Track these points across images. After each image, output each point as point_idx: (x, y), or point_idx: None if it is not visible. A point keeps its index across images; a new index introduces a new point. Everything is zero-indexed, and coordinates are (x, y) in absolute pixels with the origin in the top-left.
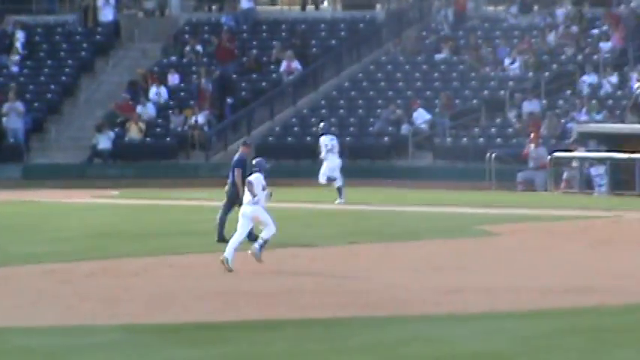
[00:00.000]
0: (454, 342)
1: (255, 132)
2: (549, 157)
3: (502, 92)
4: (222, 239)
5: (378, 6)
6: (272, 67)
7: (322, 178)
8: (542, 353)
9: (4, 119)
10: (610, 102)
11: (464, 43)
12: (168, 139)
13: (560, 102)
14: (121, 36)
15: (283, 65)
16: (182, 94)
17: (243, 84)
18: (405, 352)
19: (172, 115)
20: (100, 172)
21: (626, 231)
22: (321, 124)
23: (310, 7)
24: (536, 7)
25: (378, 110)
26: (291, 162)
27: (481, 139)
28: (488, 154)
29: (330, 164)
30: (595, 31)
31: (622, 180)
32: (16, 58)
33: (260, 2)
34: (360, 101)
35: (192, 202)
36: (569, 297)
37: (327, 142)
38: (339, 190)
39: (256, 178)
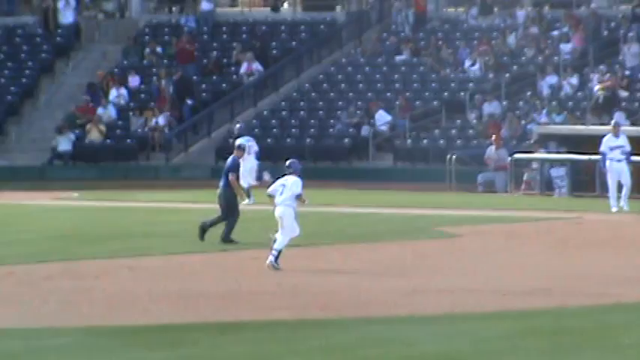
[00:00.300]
0: (415, 343)
1: (216, 133)
2: (509, 158)
3: (462, 94)
4: (202, 237)
5: (338, 8)
6: (232, 68)
7: (245, 181)
8: (503, 354)
9: None
10: (570, 103)
11: (424, 44)
12: (128, 140)
13: (521, 103)
14: (81, 38)
15: (243, 67)
16: (142, 95)
17: (204, 86)
18: (366, 354)
19: (133, 117)
20: (60, 174)
21: (586, 232)
22: (237, 126)
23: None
24: (496, 9)
25: (339, 112)
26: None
27: (441, 141)
28: (448, 156)
29: (248, 165)
30: (555, 33)
31: (582, 181)
32: None
33: (220, 4)
34: (321, 103)
35: (153, 203)
36: (530, 298)
37: (247, 143)
38: (249, 191)
39: (298, 185)
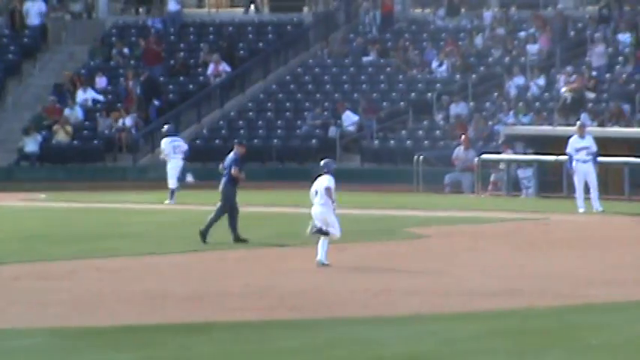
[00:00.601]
0: (382, 344)
1: (183, 134)
2: (476, 159)
3: (429, 95)
4: (204, 239)
5: (306, 9)
6: (199, 69)
7: (171, 181)
8: (470, 355)
9: None
10: (537, 104)
11: (391, 45)
12: (95, 141)
13: (488, 104)
14: (48, 39)
15: (211, 68)
16: (109, 97)
17: (171, 86)
18: (333, 355)
19: (100, 118)
20: (27, 175)
21: (553, 233)
22: (166, 126)
23: (241, 10)
24: (463, 10)
25: (306, 113)
26: (218, 164)
27: (408, 142)
28: (415, 157)
29: (174, 165)
30: (522, 34)
31: (549, 182)
32: None
33: (187, 4)
34: (288, 104)
35: (120, 204)
36: (498, 299)
37: (172, 143)
38: (173, 192)
39: (330, 180)
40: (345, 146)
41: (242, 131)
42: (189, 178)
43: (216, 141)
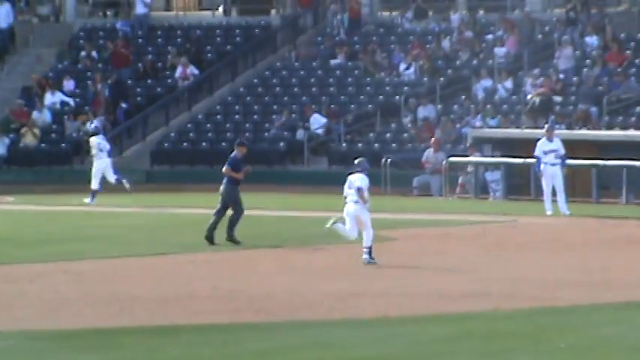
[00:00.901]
0: (350, 347)
1: (150, 137)
2: (444, 161)
3: (397, 97)
4: (212, 241)
5: (273, 12)
6: (167, 72)
7: (111, 178)
8: (438, 357)
9: None
10: (505, 107)
11: (359, 48)
12: (63, 144)
13: (455, 107)
14: (16, 42)
15: (178, 71)
16: (77, 99)
17: (138, 89)
18: (300, 358)
19: (67, 121)
20: None
21: (521, 236)
22: (93, 125)
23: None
24: (430, 13)
25: (274, 116)
26: (186, 167)
27: (376, 145)
28: (383, 160)
29: (100, 165)
30: (490, 37)
31: (517, 185)
32: None
33: (155, 8)
34: (256, 107)
35: (88, 207)
36: (465, 301)
37: (99, 142)
38: (94, 192)
39: (362, 179)
40: (313, 149)
41: (210, 134)
42: (126, 184)
43: (184, 144)
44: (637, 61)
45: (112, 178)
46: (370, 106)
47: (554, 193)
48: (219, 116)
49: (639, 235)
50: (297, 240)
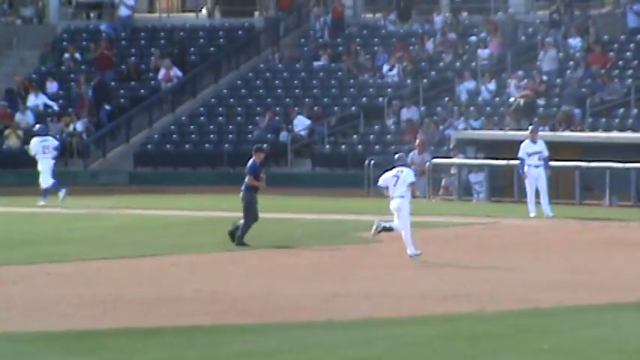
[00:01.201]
0: (334, 349)
1: (134, 139)
2: (428, 163)
3: (380, 99)
4: (242, 243)
5: (257, 13)
6: (150, 74)
7: (45, 182)
8: (423, 359)
9: None
10: (488, 109)
11: (342, 50)
12: None
13: (439, 109)
14: None
15: (162, 72)
16: (60, 101)
17: (122, 91)
18: (284, 359)
19: (51, 123)
20: None
21: (503, 237)
22: (37, 126)
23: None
24: (414, 15)
25: (257, 117)
26: (169, 169)
27: (360, 146)
28: (366, 161)
29: (44, 165)
30: (473, 38)
31: (500, 187)
32: None
33: (138, 9)
34: (239, 108)
35: (71, 209)
36: (449, 303)
37: (42, 143)
38: (45, 191)
39: (406, 173)
40: (297, 151)
41: (193, 136)
42: (62, 194)
43: (168, 146)
44: (620, 63)
45: (48, 182)
46: (354, 107)
47: (537, 194)
48: (202, 118)
49: (622, 237)
50: (280, 241)
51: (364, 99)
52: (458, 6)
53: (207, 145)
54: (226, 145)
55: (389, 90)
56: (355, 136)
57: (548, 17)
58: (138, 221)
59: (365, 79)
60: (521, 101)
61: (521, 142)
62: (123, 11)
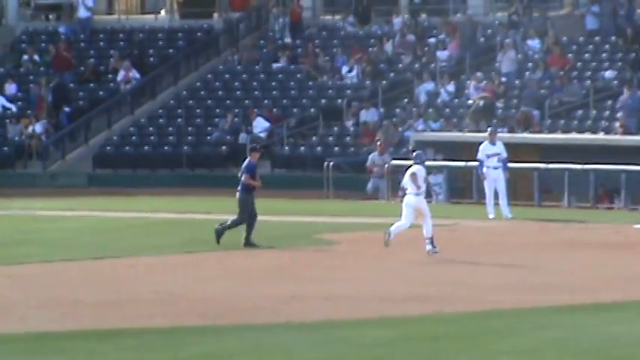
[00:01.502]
0: (293, 351)
1: (93, 141)
2: (387, 165)
3: (339, 101)
4: (250, 244)
5: (216, 15)
6: (110, 76)
7: None
8: None
9: None
10: (447, 110)
11: (301, 51)
12: (5, 148)
13: (398, 110)
14: None
15: (121, 74)
16: (19, 103)
17: (81, 93)
18: None
19: (10, 125)
20: None
21: (462, 239)
22: None
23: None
24: (373, 16)
25: (216, 119)
26: (128, 171)
27: (319, 148)
28: (325, 163)
29: None
30: (432, 40)
31: (459, 188)
32: None
33: (97, 11)
34: (198, 110)
35: (30, 211)
36: (407, 305)
37: None
38: None
39: (419, 170)
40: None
41: (152, 137)
42: None
43: (127, 147)
44: (579, 64)
45: None
46: (313, 109)
47: (496, 196)
48: (161, 120)
49: (581, 238)
50: (238, 243)
51: (323, 100)
52: (417, 7)
53: (166, 147)
54: (185, 147)
55: (348, 91)
56: (314, 138)
57: (507, 18)
58: (97, 223)
59: (324, 80)
60: (480, 103)
61: (480, 143)
62: (82, 13)
